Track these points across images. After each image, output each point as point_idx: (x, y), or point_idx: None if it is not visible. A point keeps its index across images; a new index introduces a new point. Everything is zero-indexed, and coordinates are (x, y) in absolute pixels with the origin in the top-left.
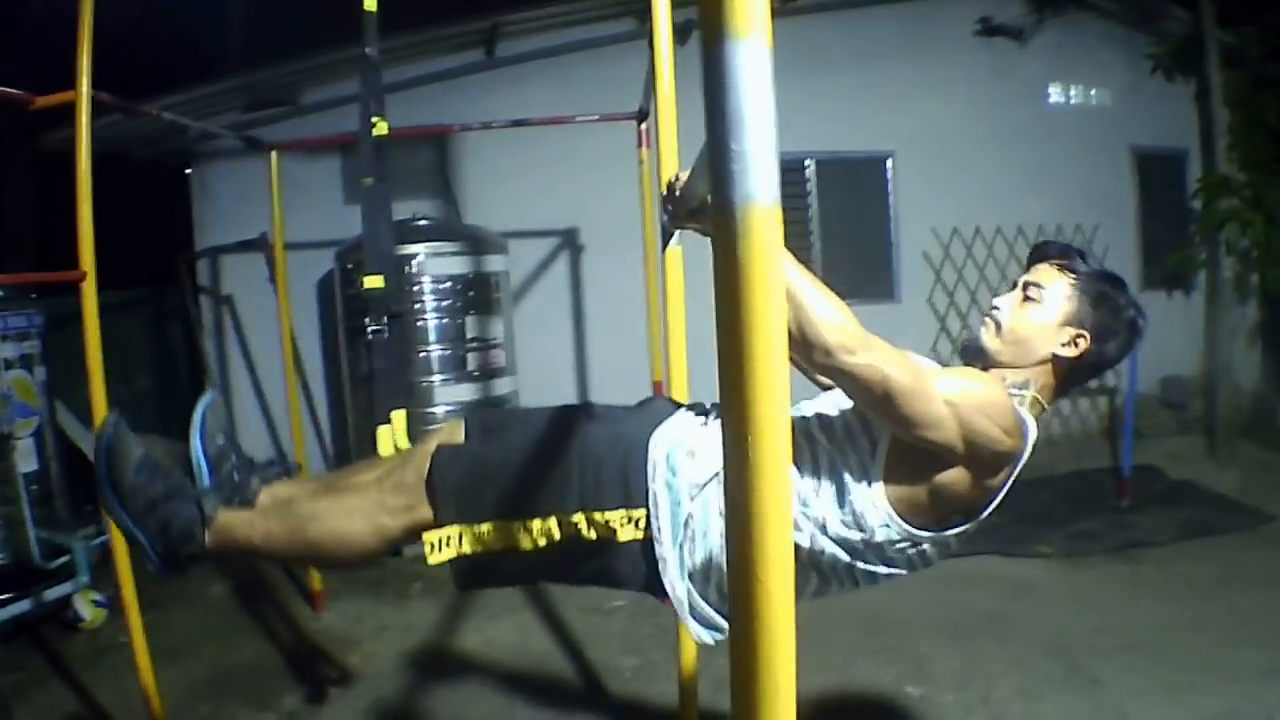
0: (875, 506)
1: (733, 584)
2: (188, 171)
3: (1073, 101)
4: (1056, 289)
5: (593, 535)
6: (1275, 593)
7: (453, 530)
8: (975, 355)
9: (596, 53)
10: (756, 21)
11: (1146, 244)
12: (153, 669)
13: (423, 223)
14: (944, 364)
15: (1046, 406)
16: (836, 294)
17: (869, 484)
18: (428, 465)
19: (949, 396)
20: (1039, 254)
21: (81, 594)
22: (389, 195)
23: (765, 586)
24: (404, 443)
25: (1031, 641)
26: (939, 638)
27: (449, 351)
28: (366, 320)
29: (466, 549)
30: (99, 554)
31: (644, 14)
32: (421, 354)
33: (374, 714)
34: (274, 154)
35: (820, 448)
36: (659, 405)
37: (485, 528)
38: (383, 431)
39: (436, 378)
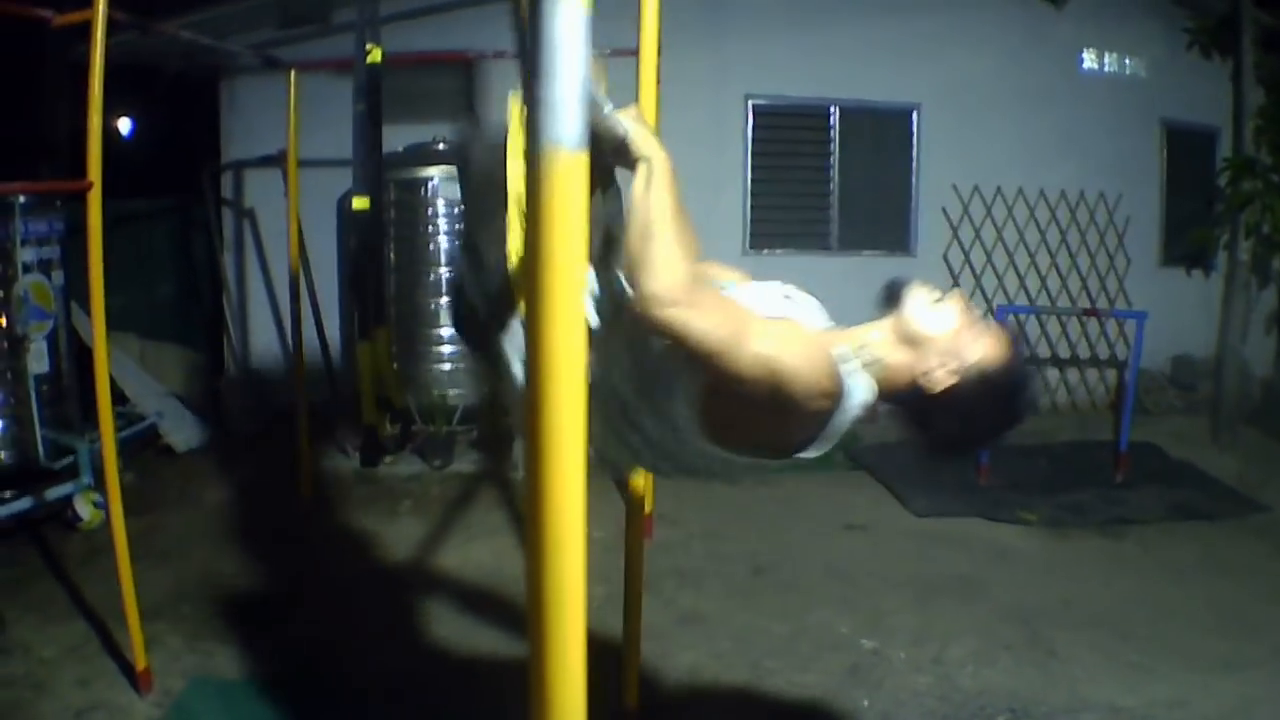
0: (699, 435)
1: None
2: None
3: (1106, 69)
4: (970, 327)
5: None
6: (1253, 584)
7: None
8: (891, 299)
9: None
10: None
11: (1170, 219)
12: (135, 570)
13: (440, 146)
14: None
15: (880, 389)
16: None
17: (689, 428)
18: None
19: (761, 352)
20: None
21: (83, 494)
22: (379, 120)
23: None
24: (384, 361)
25: (997, 607)
26: (904, 594)
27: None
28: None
29: None
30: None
31: None
32: (431, 276)
33: (346, 620)
34: (293, 73)
35: (630, 407)
36: None
37: None
38: (362, 348)
39: (445, 299)
